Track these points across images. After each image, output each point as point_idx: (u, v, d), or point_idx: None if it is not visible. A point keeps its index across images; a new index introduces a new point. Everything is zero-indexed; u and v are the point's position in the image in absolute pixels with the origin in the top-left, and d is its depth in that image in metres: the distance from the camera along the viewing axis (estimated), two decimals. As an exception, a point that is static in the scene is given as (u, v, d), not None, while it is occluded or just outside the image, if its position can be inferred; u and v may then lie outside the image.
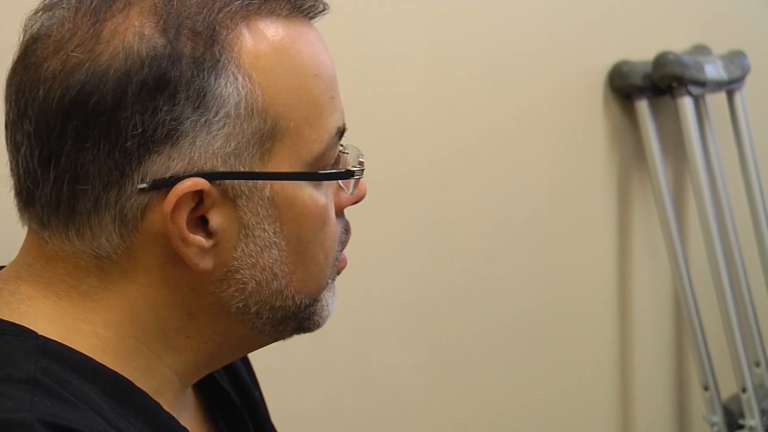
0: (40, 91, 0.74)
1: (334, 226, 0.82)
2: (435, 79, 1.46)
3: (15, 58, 0.77)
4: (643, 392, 1.79)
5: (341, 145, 0.82)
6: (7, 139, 0.77)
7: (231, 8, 0.75)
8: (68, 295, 0.77)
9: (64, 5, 0.76)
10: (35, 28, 0.76)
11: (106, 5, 0.75)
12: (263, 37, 0.77)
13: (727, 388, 1.74)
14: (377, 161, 1.30)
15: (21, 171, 0.75)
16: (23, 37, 0.77)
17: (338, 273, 0.84)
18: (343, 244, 0.84)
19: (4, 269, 0.82)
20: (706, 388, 1.69)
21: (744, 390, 1.70)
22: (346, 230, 0.84)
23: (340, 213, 0.82)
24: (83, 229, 0.75)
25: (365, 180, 0.87)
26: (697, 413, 1.81)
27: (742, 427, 1.72)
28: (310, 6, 0.79)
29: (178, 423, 0.78)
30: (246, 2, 0.77)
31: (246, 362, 1.01)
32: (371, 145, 0.96)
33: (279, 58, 0.77)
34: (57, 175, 0.74)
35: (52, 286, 0.77)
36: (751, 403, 1.70)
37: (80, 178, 0.74)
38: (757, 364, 1.75)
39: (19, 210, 0.77)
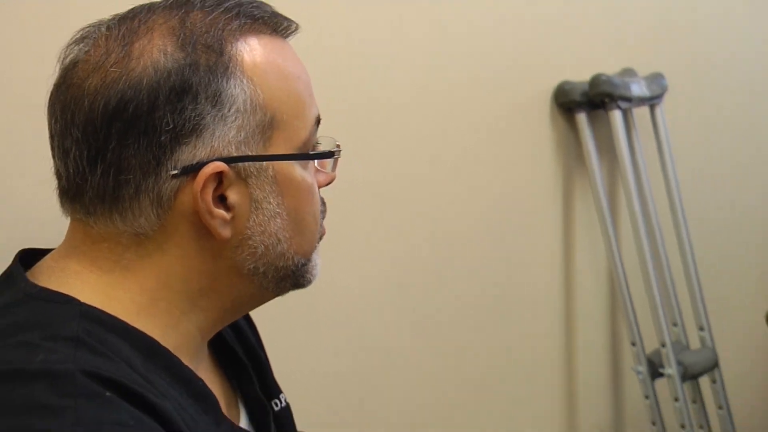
0: (85, 103, 0.80)
1: (318, 200, 0.90)
2: (412, 93, 1.48)
3: (56, 82, 0.83)
4: (584, 349, 1.79)
5: (318, 141, 0.91)
6: (53, 148, 0.84)
7: (231, 27, 0.83)
8: (111, 269, 0.83)
9: (94, 36, 0.83)
10: (71, 56, 0.83)
11: (131, 32, 0.82)
12: (256, 50, 0.85)
13: (651, 344, 1.77)
14: (360, 166, 1.34)
15: (70, 171, 0.82)
16: (60, 65, 0.84)
17: (320, 239, 0.92)
18: (323, 215, 0.92)
19: (53, 252, 0.88)
20: (633, 344, 1.75)
21: (663, 345, 1.74)
22: (324, 205, 0.92)
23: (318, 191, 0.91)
24: (126, 212, 0.81)
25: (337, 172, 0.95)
26: (627, 365, 1.83)
27: (662, 375, 1.76)
28: (285, 27, 0.88)
29: (195, 375, 0.85)
30: (241, 23, 0.84)
31: (252, 326, 1.06)
32: (353, 151, 1.06)
33: (270, 65, 0.85)
34: (104, 169, 0.80)
35: (97, 262, 0.84)
36: (669, 355, 1.74)
37: (123, 170, 0.80)
38: (675, 324, 1.79)
39: (64, 204, 0.84)
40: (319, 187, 0.91)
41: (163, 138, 0.80)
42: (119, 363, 0.78)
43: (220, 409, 0.87)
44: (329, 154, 0.91)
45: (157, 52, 0.81)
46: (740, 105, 2.06)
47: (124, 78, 0.80)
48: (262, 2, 0.88)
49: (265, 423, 0.97)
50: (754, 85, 2.09)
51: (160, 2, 0.86)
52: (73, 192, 0.83)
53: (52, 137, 0.84)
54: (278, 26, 0.87)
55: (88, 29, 0.84)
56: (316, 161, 0.90)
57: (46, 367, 0.74)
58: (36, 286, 0.82)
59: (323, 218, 0.92)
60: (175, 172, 0.81)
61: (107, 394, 0.74)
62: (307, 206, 0.88)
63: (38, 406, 0.72)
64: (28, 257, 0.88)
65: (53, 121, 0.83)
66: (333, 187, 0.93)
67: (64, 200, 0.84)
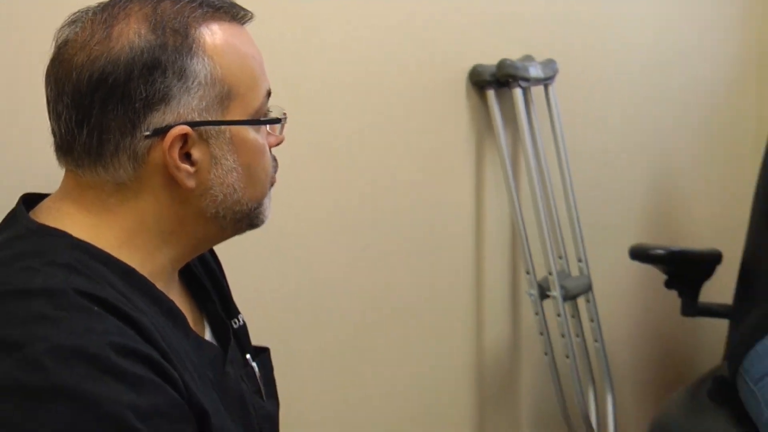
0: (73, 75, 0.82)
1: (269, 157, 0.92)
2: (355, 72, 1.51)
3: (51, 58, 0.85)
4: (490, 277, 1.82)
5: (268, 109, 0.92)
6: (49, 112, 0.86)
7: (195, 15, 0.85)
8: (97, 212, 0.86)
9: (82, 20, 0.85)
10: (63, 36, 0.85)
11: (112, 17, 0.84)
12: (217, 34, 0.86)
13: (541, 273, 1.81)
14: (311, 131, 1.40)
15: (62, 130, 0.84)
16: (55, 43, 0.85)
17: (272, 186, 0.94)
18: (274, 168, 0.94)
19: (50, 196, 0.90)
20: (528, 273, 1.81)
21: (550, 273, 1.80)
22: (275, 161, 0.94)
23: (269, 150, 0.93)
24: (108, 166, 0.84)
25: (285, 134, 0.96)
26: (523, 289, 1.88)
27: (548, 296, 1.81)
28: (242, 16, 0.90)
29: (167, 297, 0.87)
30: (204, 11, 0.86)
31: (215, 258, 1.07)
32: (307, 119, 1.12)
33: (228, 47, 0.87)
34: (89, 130, 0.83)
35: (86, 205, 0.86)
36: (554, 281, 1.80)
37: (105, 131, 0.83)
38: (560, 257, 1.85)
39: (59, 158, 0.87)
40: (270, 147, 0.93)
41: (137, 105, 0.82)
42: (104, 285, 0.80)
43: (188, 324, 0.89)
44: (276, 120, 0.92)
45: (132, 34, 0.82)
46: (615, 82, 2.11)
47: (105, 55, 0.82)
48: None
49: (226, 338, 0.97)
50: (627, 66, 2.14)
51: None
52: (65, 148, 0.85)
53: (48, 102, 0.86)
54: (236, 15, 0.89)
55: (77, 14, 0.86)
56: (267, 126, 0.92)
57: (45, 286, 0.77)
58: (36, 222, 0.85)
59: (275, 171, 0.94)
60: (148, 133, 0.83)
61: (95, 308, 0.76)
62: (258, 162, 0.90)
63: (39, 317, 0.74)
64: (30, 200, 0.89)
65: (49, 90, 0.86)
66: (286, 145, 0.96)
67: (59, 154, 0.87)
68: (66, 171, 0.88)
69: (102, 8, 0.86)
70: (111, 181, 0.85)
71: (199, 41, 0.85)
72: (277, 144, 0.94)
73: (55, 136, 0.86)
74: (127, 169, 0.84)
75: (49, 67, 0.86)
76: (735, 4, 2.50)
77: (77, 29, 0.84)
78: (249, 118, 0.88)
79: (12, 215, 0.88)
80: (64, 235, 0.83)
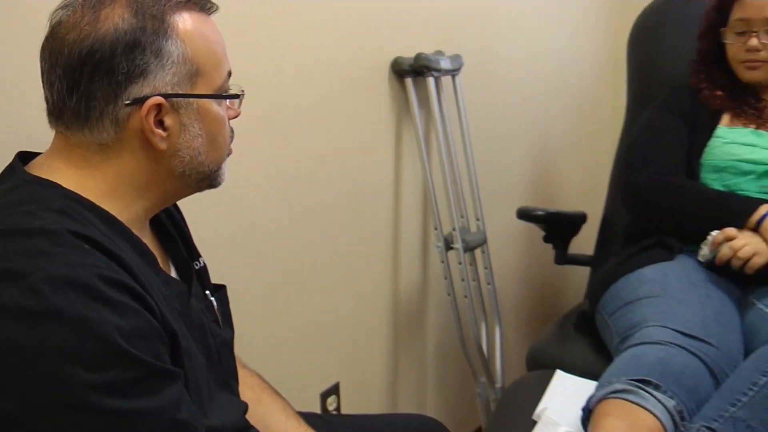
0: (65, 51, 0.82)
1: (228, 128, 0.92)
2: (292, 63, 1.50)
3: (46, 35, 0.84)
4: (406, 232, 1.85)
5: (229, 86, 0.91)
6: (43, 82, 0.85)
7: (170, 4, 0.85)
8: (83, 167, 0.85)
9: (73, 5, 0.83)
10: (57, 17, 0.84)
11: (99, 3, 0.83)
12: (188, 21, 0.86)
13: (447, 228, 1.84)
14: (262, 110, 1.40)
15: (55, 98, 0.84)
16: (50, 23, 0.84)
17: (228, 155, 0.94)
18: (231, 139, 0.94)
19: (42, 154, 0.89)
20: (435, 229, 1.83)
21: (454, 229, 1.83)
22: (232, 132, 0.94)
23: (228, 122, 0.93)
24: (93, 129, 0.84)
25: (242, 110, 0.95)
26: (432, 242, 1.91)
27: (452, 248, 1.84)
28: (209, 7, 0.90)
29: (141, 240, 0.87)
30: (178, 1, 0.85)
31: (178, 210, 1.05)
32: (258, 100, 1.10)
33: (197, 32, 0.86)
34: (77, 98, 0.82)
35: (73, 161, 0.85)
36: (457, 236, 1.83)
37: (91, 99, 0.82)
38: (462, 216, 1.86)
39: (50, 121, 0.86)
40: (229, 119, 0.93)
41: (119, 78, 0.82)
42: (92, 227, 0.80)
43: (158, 264, 0.90)
44: (236, 96, 0.92)
45: (117, 18, 0.82)
46: (507, 75, 2.15)
47: (93, 35, 0.81)
48: None
49: (189, 276, 0.98)
50: (516, 62, 2.18)
51: None
52: (56, 113, 0.85)
53: (42, 74, 0.85)
54: (204, 6, 0.89)
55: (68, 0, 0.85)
56: (227, 101, 0.92)
57: (43, 226, 0.77)
58: (31, 174, 0.84)
59: (231, 141, 0.94)
60: (128, 102, 0.83)
61: (85, 246, 0.77)
62: (219, 131, 0.90)
63: (39, 252, 0.74)
64: (24, 156, 0.89)
65: (43, 63, 0.85)
66: (243, 118, 0.96)
67: (51, 118, 0.86)
68: (56, 132, 0.87)
69: None
70: (95, 141, 0.85)
71: (174, 26, 0.85)
72: (235, 116, 0.95)
73: (47, 102, 0.86)
74: (110, 132, 0.84)
75: (44, 43, 0.85)
76: (596, 17, 2.57)
77: (69, 12, 0.84)
78: (212, 93, 0.89)
79: (9, 169, 0.88)
80: (56, 186, 0.83)
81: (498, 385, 1.96)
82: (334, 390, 1.72)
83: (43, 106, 0.86)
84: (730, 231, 1.54)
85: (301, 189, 1.56)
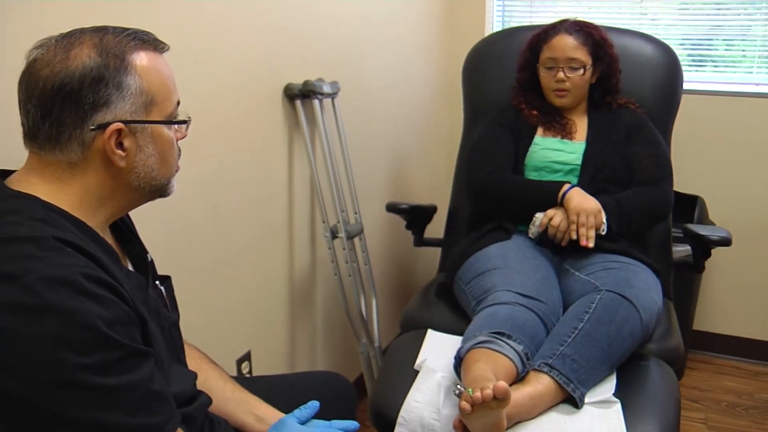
0: (40, 84, 0.80)
1: (176, 147, 0.91)
2: (205, 89, 1.46)
3: (23, 70, 0.82)
4: (299, 224, 1.81)
5: (178, 113, 0.90)
6: (20, 109, 0.83)
7: (130, 45, 0.84)
8: (55, 182, 0.83)
9: (47, 45, 0.82)
10: (32, 56, 0.82)
11: (70, 44, 0.82)
12: (144, 59, 0.84)
13: (332, 220, 1.84)
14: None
15: (30, 123, 0.82)
16: (27, 61, 0.83)
17: (177, 171, 0.92)
18: (179, 157, 0.93)
19: (17, 171, 0.86)
20: (323, 222, 1.82)
21: (338, 221, 1.82)
22: (180, 151, 0.93)
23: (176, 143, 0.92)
24: (63, 149, 0.82)
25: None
26: (320, 232, 1.89)
27: (337, 236, 1.83)
28: (161, 47, 0.88)
29: (105, 240, 0.86)
30: (136, 43, 0.84)
31: (127, 214, 1.00)
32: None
33: (152, 68, 0.85)
34: (50, 124, 0.81)
35: (46, 177, 0.83)
36: (341, 227, 1.82)
37: (62, 125, 0.81)
38: (342, 211, 1.83)
39: (25, 143, 0.84)
40: (177, 140, 0.92)
41: (86, 107, 0.81)
42: (69, 232, 0.79)
43: (120, 261, 0.89)
44: (183, 122, 0.91)
45: (85, 56, 0.81)
46: (373, 94, 2.15)
47: (64, 71, 0.80)
48: (148, 32, 0.88)
49: (145, 270, 0.96)
50: (380, 84, 2.19)
51: (89, 28, 0.85)
52: (32, 136, 0.83)
53: (19, 102, 0.83)
54: (157, 46, 0.88)
55: (43, 41, 0.83)
56: (176, 125, 0.91)
57: (30, 234, 0.75)
58: (12, 189, 0.82)
59: (179, 159, 0.93)
60: (93, 127, 0.81)
61: (68, 249, 0.76)
62: (169, 151, 0.89)
63: (29, 256, 0.73)
64: (1, 174, 0.86)
65: (20, 94, 0.83)
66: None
67: (26, 140, 0.84)
68: (30, 152, 0.85)
69: (62, 37, 0.84)
70: (65, 160, 0.83)
71: (132, 63, 0.83)
72: (182, 138, 0.93)
73: (23, 126, 0.83)
74: (77, 152, 0.82)
75: (21, 76, 0.83)
76: (434, 51, 2.61)
77: (43, 51, 0.82)
78: (164, 119, 0.87)
79: None
80: (34, 198, 0.81)
81: (376, 344, 1.97)
82: (247, 357, 1.70)
83: (15, 129, 0.83)
84: (549, 212, 1.65)
85: (215, 194, 1.53)
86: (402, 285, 2.50)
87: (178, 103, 0.91)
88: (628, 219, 1.65)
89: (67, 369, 0.71)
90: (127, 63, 0.83)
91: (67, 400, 0.72)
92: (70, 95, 0.80)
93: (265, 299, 1.75)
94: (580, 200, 1.61)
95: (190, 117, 0.93)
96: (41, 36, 0.85)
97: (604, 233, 1.62)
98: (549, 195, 1.66)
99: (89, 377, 0.72)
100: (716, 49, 2.51)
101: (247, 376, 1.66)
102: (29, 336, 0.70)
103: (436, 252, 2.12)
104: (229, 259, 1.59)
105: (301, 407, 1.07)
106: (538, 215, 1.67)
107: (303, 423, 1.05)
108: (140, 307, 0.84)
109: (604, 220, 1.61)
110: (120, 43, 0.84)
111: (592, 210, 1.60)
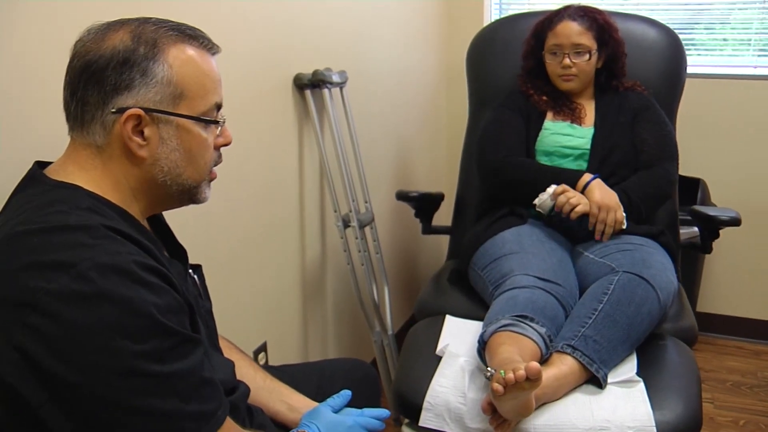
0: (74, 62, 0.81)
1: (211, 151, 0.88)
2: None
3: (71, 54, 0.82)
4: (310, 213, 1.81)
5: (217, 116, 0.87)
6: (64, 90, 0.82)
7: (168, 35, 0.82)
8: (89, 168, 0.82)
9: (92, 30, 0.82)
10: (80, 39, 0.82)
11: (110, 29, 0.81)
12: (184, 51, 0.83)
13: (344, 210, 1.83)
14: None
15: (65, 102, 0.82)
16: (74, 47, 0.82)
17: (211, 180, 0.89)
18: (216, 163, 0.90)
19: (55, 162, 0.85)
20: (335, 211, 1.81)
21: (350, 211, 1.81)
22: (219, 158, 0.90)
23: (216, 148, 0.89)
24: (88, 130, 0.81)
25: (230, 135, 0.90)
26: (332, 221, 1.89)
27: (349, 225, 1.82)
28: (210, 47, 0.87)
29: (148, 228, 0.87)
30: (176, 35, 0.82)
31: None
32: None
33: (190, 62, 0.83)
34: (75, 102, 0.81)
35: (81, 164, 0.82)
36: (353, 216, 1.82)
37: (85, 104, 0.80)
38: (353, 200, 1.83)
39: (67, 122, 0.83)
40: (217, 146, 0.89)
41: (107, 88, 0.79)
42: (116, 221, 0.79)
43: (163, 249, 0.89)
44: (214, 122, 0.87)
45: (117, 40, 0.80)
46: (379, 84, 2.15)
47: (93, 51, 0.80)
48: (198, 29, 0.86)
49: (183, 259, 0.97)
50: (385, 74, 2.19)
51: (136, 18, 0.84)
52: (66, 115, 0.83)
53: (64, 86, 0.83)
54: (204, 44, 0.86)
55: (93, 25, 0.83)
56: (217, 128, 0.87)
57: (80, 222, 0.75)
58: (54, 179, 0.81)
59: (216, 165, 0.90)
60: (113, 110, 0.80)
61: (117, 237, 0.76)
62: (198, 150, 0.86)
63: (82, 244, 0.72)
64: (41, 165, 0.85)
65: (65, 76, 0.83)
66: None
67: (67, 119, 0.83)
68: (70, 139, 0.84)
69: (109, 23, 0.84)
70: (92, 143, 0.82)
71: (164, 52, 0.81)
72: (223, 144, 0.90)
73: (64, 107, 0.84)
74: (101, 134, 0.81)
75: (70, 59, 0.83)
76: (435, 42, 2.61)
77: (88, 34, 0.83)
78: (193, 116, 0.84)
79: (30, 176, 0.83)
80: (78, 188, 0.81)
81: (390, 332, 1.98)
82: (263, 348, 1.69)
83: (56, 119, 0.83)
84: (564, 185, 1.63)
85: (227, 185, 1.51)
86: (410, 273, 2.51)
87: (219, 106, 0.88)
88: (638, 210, 1.67)
89: (125, 357, 0.70)
90: (157, 50, 0.81)
91: (124, 387, 0.71)
92: (94, 74, 0.80)
93: (278, 290, 1.75)
94: (604, 194, 1.60)
95: (224, 119, 0.89)
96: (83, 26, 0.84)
97: (624, 228, 1.62)
98: (568, 181, 1.65)
99: (146, 365, 0.72)
100: (712, 33, 2.52)
101: (272, 365, 1.66)
102: (86, 324, 0.70)
103: (440, 239, 2.17)
104: (243, 249, 1.59)
105: (333, 396, 1.06)
106: (552, 187, 1.63)
107: (336, 412, 1.05)
108: (186, 294, 0.84)
109: (624, 217, 1.61)
110: (157, 31, 0.82)
111: (614, 207, 1.59)
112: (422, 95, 2.54)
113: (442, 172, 2.60)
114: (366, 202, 1.97)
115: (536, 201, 1.64)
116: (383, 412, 1.06)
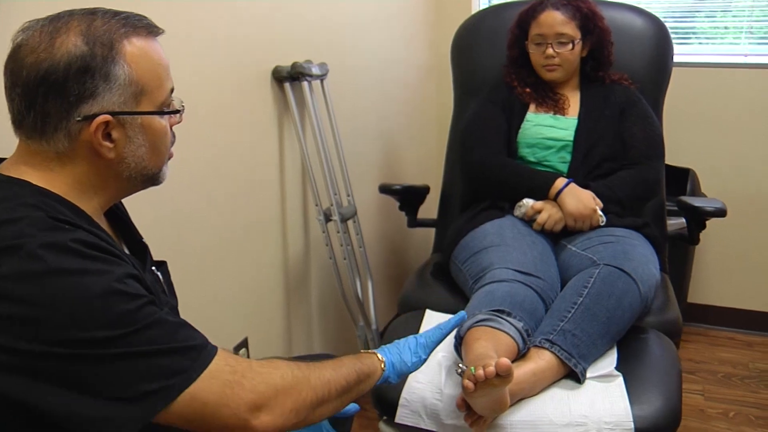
0: (24, 73, 0.78)
1: (170, 136, 0.89)
2: (198, 75, 1.44)
3: (8, 56, 0.80)
4: (291, 208, 1.80)
5: (172, 100, 0.88)
6: (6, 97, 0.81)
7: (120, 31, 0.80)
8: (44, 170, 0.81)
9: (33, 28, 0.79)
10: (18, 39, 0.79)
11: (56, 29, 0.78)
12: (135, 46, 0.81)
13: (325, 204, 1.83)
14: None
15: (15, 112, 0.80)
16: (12, 45, 0.80)
17: (169, 159, 0.91)
18: (172, 144, 0.90)
19: (7, 159, 0.84)
20: (316, 205, 1.80)
21: (331, 204, 1.82)
22: (174, 137, 0.91)
23: (170, 129, 0.89)
24: (50, 140, 0.80)
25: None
26: (314, 216, 1.89)
27: (331, 219, 1.81)
28: (155, 31, 0.85)
29: (100, 225, 0.85)
30: (127, 29, 0.81)
31: (122, 204, 1.00)
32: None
33: (143, 56, 0.82)
34: (34, 115, 0.79)
35: (35, 166, 0.81)
36: (334, 210, 1.81)
37: (47, 116, 0.79)
38: (335, 194, 1.82)
39: (15, 130, 0.82)
40: (171, 126, 0.89)
41: (71, 99, 0.78)
42: (64, 214, 0.78)
43: (117, 243, 0.87)
44: (175, 112, 0.89)
45: (71, 45, 0.78)
46: (362, 76, 2.14)
47: (48, 60, 0.77)
48: (142, 16, 0.85)
49: (143, 255, 0.96)
50: (369, 66, 2.18)
51: (78, 10, 0.81)
52: (17, 124, 0.81)
53: (5, 88, 0.81)
54: (151, 30, 0.85)
55: (29, 23, 0.80)
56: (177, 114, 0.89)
57: (25, 215, 0.75)
58: (3, 175, 0.81)
59: (172, 145, 0.91)
60: (79, 119, 0.79)
61: (66, 226, 0.76)
62: (161, 140, 0.87)
63: (27, 233, 0.72)
64: None
65: (5, 79, 0.81)
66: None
67: (15, 128, 0.82)
68: (19, 140, 0.83)
69: (49, 21, 0.80)
70: (52, 150, 0.81)
71: (121, 52, 0.80)
72: (177, 123, 0.91)
73: (11, 113, 0.82)
74: (64, 143, 0.80)
75: (6, 61, 0.80)
76: (421, 32, 2.60)
77: (29, 35, 0.79)
78: (156, 109, 0.85)
79: None
80: (27, 184, 0.80)
81: (374, 327, 1.97)
82: (244, 343, 1.68)
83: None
84: (537, 205, 1.65)
85: (205, 179, 1.51)
86: (396, 267, 2.50)
87: (172, 90, 0.88)
88: (621, 205, 1.66)
89: (93, 325, 0.71)
90: (115, 52, 0.80)
91: (97, 355, 0.72)
92: (54, 86, 0.78)
93: (260, 285, 1.74)
94: (575, 204, 1.61)
95: (183, 105, 0.90)
96: (27, 18, 0.82)
97: (603, 224, 1.62)
98: (541, 188, 1.66)
99: (115, 331, 0.72)
100: (702, 21, 2.50)
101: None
102: (45, 301, 0.70)
103: (428, 233, 2.13)
104: (222, 244, 1.58)
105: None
106: (526, 201, 1.66)
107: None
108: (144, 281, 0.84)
109: (601, 216, 1.62)
110: (109, 29, 0.80)
111: (588, 215, 1.61)
112: (410, 86, 2.53)
113: (431, 164, 2.59)
114: (348, 196, 1.96)
115: (515, 213, 1.67)
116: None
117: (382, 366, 1.04)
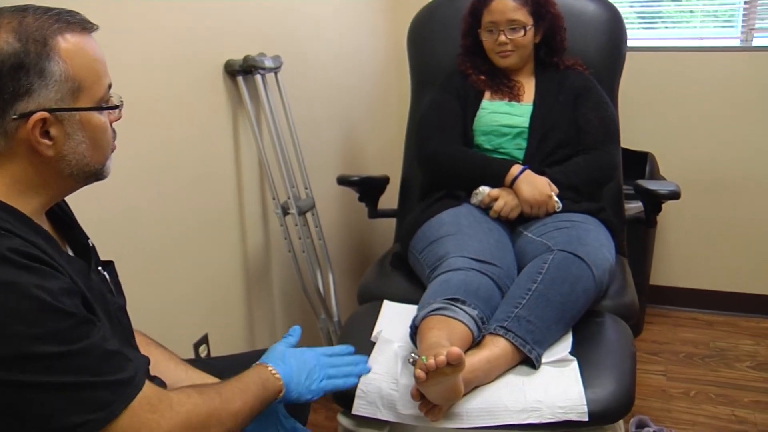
0: None
1: (110, 131, 0.88)
2: (146, 69, 1.42)
3: None
4: (249, 202, 1.79)
5: (110, 96, 0.87)
6: None
7: (53, 27, 0.79)
8: None
9: None
10: None
11: None
12: (70, 42, 0.80)
13: (282, 197, 1.83)
14: (129, 113, 1.32)
15: None
16: None
17: (112, 152, 0.90)
18: (114, 139, 0.89)
19: None
20: (273, 198, 1.80)
21: (289, 198, 1.80)
22: (114, 132, 0.90)
23: (110, 125, 0.89)
24: None
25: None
26: (272, 209, 1.85)
27: (288, 213, 1.81)
28: (89, 27, 0.84)
29: (42, 227, 0.84)
30: (60, 25, 0.80)
31: (64, 200, 0.98)
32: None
33: (78, 52, 0.81)
34: None
35: None
36: (292, 203, 1.80)
37: None
38: (293, 187, 1.81)
39: None
40: (111, 122, 0.89)
41: (6, 97, 0.77)
42: (1, 220, 0.78)
43: (59, 246, 0.87)
44: (114, 107, 0.88)
45: (3, 43, 0.77)
46: (318, 68, 2.13)
47: None
48: (74, 12, 0.84)
49: (87, 255, 0.95)
50: (325, 58, 2.17)
51: (8, 8, 0.80)
52: None
53: None
54: (85, 26, 0.84)
55: None
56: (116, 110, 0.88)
57: None
58: None
59: (114, 140, 0.90)
60: (15, 116, 0.78)
61: (3, 232, 0.75)
62: (102, 136, 0.86)
63: None
64: None
65: None
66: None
67: None
68: None
69: None
70: None
71: (56, 48, 0.79)
72: (116, 120, 0.91)
73: None
74: (1, 142, 0.80)
75: None
76: (378, 22, 2.59)
77: None
78: (94, 105, 0.84)
79: None
80: None
81: (335, 319, 1.97)
82: (204, 340, 1.67)
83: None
84: (493, 192, 1.66)
85: (156, 175, 1.49)
86: (360, 258, 2.49)
87: (110, 86, 0.87)
88: (577, 191, 1.68)
89: (21, 342, 0.71)
90: (49, 48, 0.79)
91: (25, 371, 0.71)
92: None
93: (219, 280, 1.73)
94: (531, 191, 1.62)
95: (122, 101, 0.89)
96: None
97: (559, 210, 1.63)
98: (496, 176, 1.66)
99: (45, 347, 0.72)
100: (668, 6, 2.52)
101: (209, 357, 1.64)
102: None
103: (392, 223, 2.12)
104: (177, 240, 1.56)
105: (284, 336, 1.12)
106: (482, 189, 1.66)
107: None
108: (83, 288, 0.83)
109: (557, 202, 1.63)
110: (42, 26, 0.79)
111: (544, 201, 1.62)
112: (369, 77, 2.52)
113: (393, 155, 2.55)
114: (306, 188, 1.95)
115: (472, 200, 1.67)
116: (347, 349, 1.19)
117: (281, 390, 1.06)
